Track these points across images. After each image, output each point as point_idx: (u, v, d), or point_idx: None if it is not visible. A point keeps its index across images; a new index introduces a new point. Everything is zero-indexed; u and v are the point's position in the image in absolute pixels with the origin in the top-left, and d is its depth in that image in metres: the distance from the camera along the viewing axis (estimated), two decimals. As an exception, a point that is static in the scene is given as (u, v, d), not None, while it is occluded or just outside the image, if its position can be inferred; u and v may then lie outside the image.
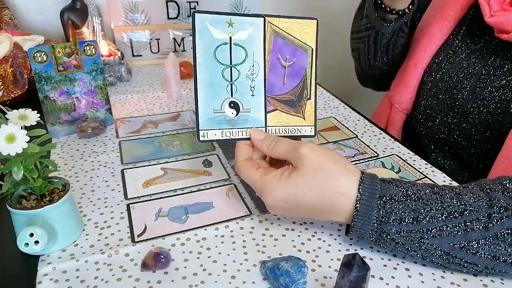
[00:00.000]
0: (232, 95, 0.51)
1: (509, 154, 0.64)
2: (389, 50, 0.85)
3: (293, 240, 0.50)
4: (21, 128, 0.41)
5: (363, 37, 0.85)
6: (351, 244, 0.50)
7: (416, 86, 0.82)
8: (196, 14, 0.48)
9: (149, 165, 0.64)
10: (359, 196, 0.44)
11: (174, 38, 1.13)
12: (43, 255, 0.46)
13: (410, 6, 0.76)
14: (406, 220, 0.43)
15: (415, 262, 0.47)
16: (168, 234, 0.50)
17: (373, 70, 0.92)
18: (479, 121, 0.69)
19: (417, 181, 0.52)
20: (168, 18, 1.12)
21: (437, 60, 0.78)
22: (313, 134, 0.56)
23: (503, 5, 0.66)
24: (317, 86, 0.56)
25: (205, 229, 0.51)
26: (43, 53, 0.66)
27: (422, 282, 0.44)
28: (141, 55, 1.12)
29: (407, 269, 0.46)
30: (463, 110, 0.72)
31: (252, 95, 0.52)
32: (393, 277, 0.45)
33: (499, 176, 0.47)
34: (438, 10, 0.80)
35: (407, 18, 0.77)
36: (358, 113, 0.86)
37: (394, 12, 0.76)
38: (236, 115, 0.51)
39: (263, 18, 0.51)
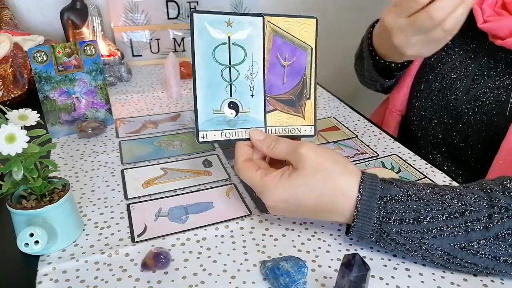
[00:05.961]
0: (231, 96, 0.51)
1: (505, 156, 0.63)
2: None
3: (293, 240, 0.50)
4: (21, 128, 0.41)
5: (365, 82, 0.87)
6: (351, 244, 0.49)
7: (409, 87, 0.81)
8: (194, 14, 0.48)
9: (149, 165, 0.64)
10: (359, 196, 0.44)
11: (174, 38, 1.13)
12: (43, 255, 0.46)
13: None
14: (407, 220, 0.43)
15: (415, 262, 0.47)
16: (168, 234, 0.50)
17: (373, 88, 0.93)
18: (474, 122, 0.69)
19: (418, 181, 0.52)
20: (168, 18, 1.12)
21: (429, 61, 0.77)
22: (313, 133, 0.56)
23: (495, 7, 0.65)
24: (317, 86, 0.56)
25: (205, 229, 0.51)
26: (43, 53, 0.66)
27: (422, 282, 0.44)
28: (141, 55, 1.12)
29: (407, 269, 0.46)
30: (457, 111, 0.71)
31: (252, 95, 0.52)
32: (393, 277, 0.45)
33: (500, 176, 0.47)
34: None
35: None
36: (358, 113, 0.86)
37: (394, 64, 0.74)
38: (236, 115, 0.51)
39: (262, 18, 0.51)
